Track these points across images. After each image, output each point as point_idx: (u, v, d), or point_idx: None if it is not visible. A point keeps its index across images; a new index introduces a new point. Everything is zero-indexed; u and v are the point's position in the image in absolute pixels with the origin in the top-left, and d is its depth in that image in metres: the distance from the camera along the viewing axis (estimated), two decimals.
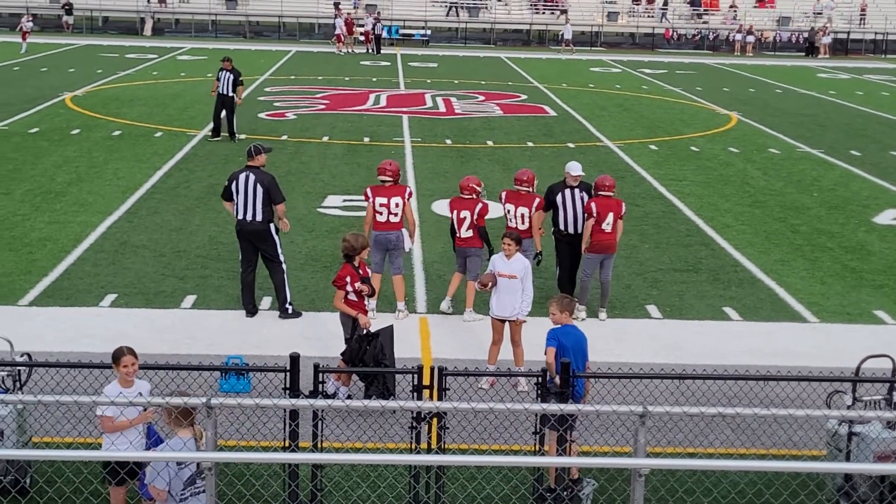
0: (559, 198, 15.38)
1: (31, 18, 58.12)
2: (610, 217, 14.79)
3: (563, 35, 65.65)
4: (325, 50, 60.11)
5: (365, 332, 11.91)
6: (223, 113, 28.11)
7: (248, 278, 14.84)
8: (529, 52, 64.13)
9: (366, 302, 12.56)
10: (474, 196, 14.95)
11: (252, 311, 14.84)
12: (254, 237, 14.74)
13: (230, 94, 27.88)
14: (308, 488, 9.51)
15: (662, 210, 21.87)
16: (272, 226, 14.76)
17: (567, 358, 9.77)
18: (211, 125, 28.60)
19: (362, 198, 15.66)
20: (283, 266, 14.87)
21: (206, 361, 11.25)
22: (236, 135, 28.11)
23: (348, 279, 12.28)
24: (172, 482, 7.81)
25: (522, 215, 14.82)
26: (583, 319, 14.83)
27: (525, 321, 12.80)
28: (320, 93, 39.68)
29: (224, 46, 59.98)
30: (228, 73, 28.02)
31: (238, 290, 15.16)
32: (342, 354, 12.03)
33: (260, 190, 14.65)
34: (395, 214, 14.85)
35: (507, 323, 12.76)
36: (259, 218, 14.67)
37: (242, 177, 14.78)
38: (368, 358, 11.59)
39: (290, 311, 14.78)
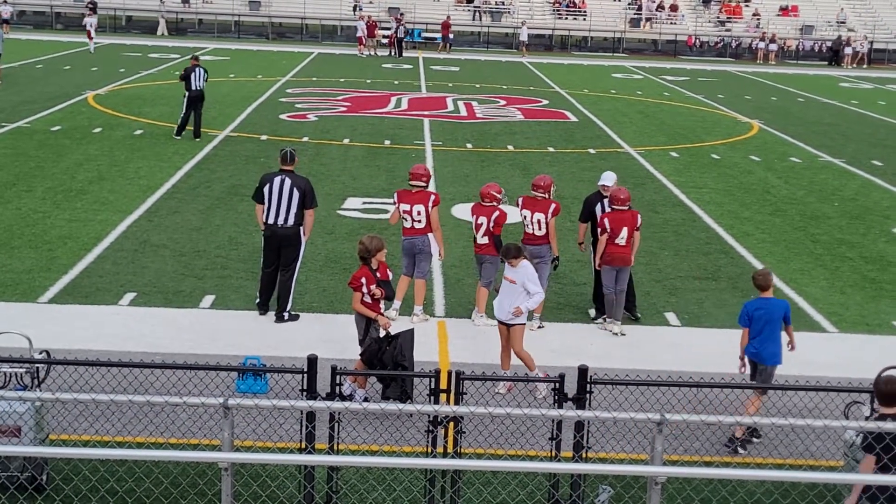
0: (597, 208, 15.30)
1: (91, 14, 57.63)
2: (624, 231, 14.57)
3: (518, 37, 65.66)
4: (347, 52, 60.24)
5: (385, 333, 11.92)
6: (193, 109, 28.14)
7: (270, 275, 14.81)
8: (551, 57, 64.08)
9: (381, 305, 12.55)
10: (494, 203, 14.93)
11: (265, 308, 14.84)
12: (283, 241, 14.70)
13: (200, 88, 27.91)
14: (324, 490, 9.52)
15: (682, 217, 21.82)
16: (302, 229, 14.75)
17: (756, 328, 11.68)
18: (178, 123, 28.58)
19: (382, 200, 15.80)
20: (296, 274, 14.83)
21: (224, 361, 11.29)
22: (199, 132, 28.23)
23: (363, 280, 12.28)
24: None
25: (538, 221, 14.77)
26: (615, 333, 14.75)
27: (524, 324, 12.65)
28: (342, 95, 39.74)
29: (247, 47, 60.24)
30: (202, 70, 28.11)
31: (257, 290, 15.17)
32: (361, 355, 12.02)
33: (297, 194, 14.59)
34: (419, 221, 14.88)
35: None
36: (291, 222, 14.63)
37: (277, 180, 14.72)
38: (388, 359, 11.59)
39: (285, 318, 14.74)
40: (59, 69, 44.30)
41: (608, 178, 15.38)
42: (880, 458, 8.08)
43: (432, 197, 15.08)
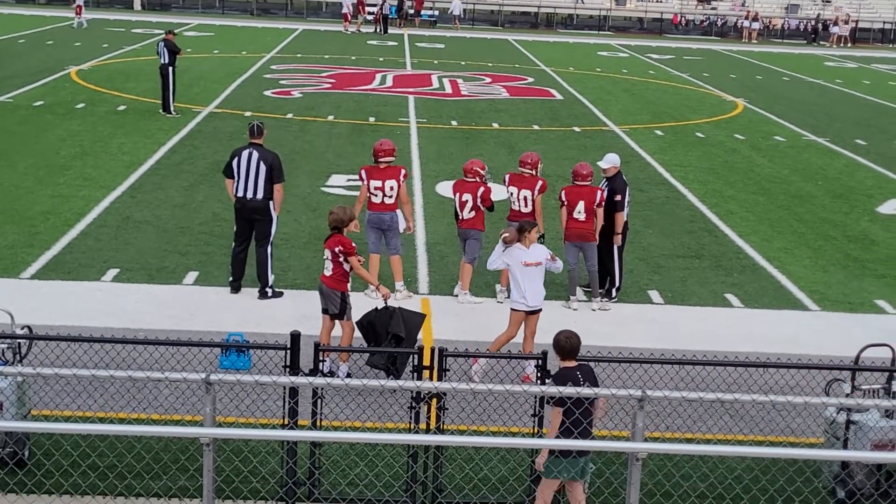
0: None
1: None
2: (581, 205, 14.65)
3: (451, 11, 65.76)
4: (332, 28, 60.02)
5: (385, 305, 11.83)
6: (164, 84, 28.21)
7: (241, 255, 14.83)
8: (537, 35, 63.97)
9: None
10: (477, 179, 14.90)
11: (237, 288, 14.82)
12: (253, 214, 14.70)
13: (165, 62, 27.77)
14: (306, 466, 9.53)
15: (667, 196, 21.84)
16: (272, 203, 14.72)
17: None
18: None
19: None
20: (270, 248, 14.79)
21: (207, 338, 11.26)
22: (171, 108, 28.16)
23: (354, 245, 12.21)
24: None
25: (525, 198, 14.79)
26: (575, 309, 14.80)
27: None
28: (326, 71, 39.62)
29: (231, 23, 59.99)
30: (162, 44, 27.92)
31: (229, 269, 15.10)
32: (358, 324, 11.89)
33: (263, 167, 14.60)
34: (390, 197, 14.76)
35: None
36: (260, 195, 14.63)
37: (245, 154, 14.73)
38: (382, 328, 11.54)
39: (269, 294, 14.72)
40: (42, 44, 44.03)
41: (604, 161, 15.43)
42: (567, 412, 8.25)
43: (403, 171, 14.98)
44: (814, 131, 31.03)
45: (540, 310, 12.44)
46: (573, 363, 8.85)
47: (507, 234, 12.39)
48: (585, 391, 7.26)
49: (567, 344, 8.82)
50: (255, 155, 14.65)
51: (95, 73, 36.04)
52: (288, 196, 19.96)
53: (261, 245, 14.74)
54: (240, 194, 14.71)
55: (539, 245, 12.52)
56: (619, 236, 15.19)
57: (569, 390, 7.40)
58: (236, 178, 14.68)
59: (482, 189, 14.78)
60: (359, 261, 12.18)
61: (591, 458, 9.56)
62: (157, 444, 9.88)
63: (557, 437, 8.52)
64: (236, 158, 14.73)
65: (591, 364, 9.14)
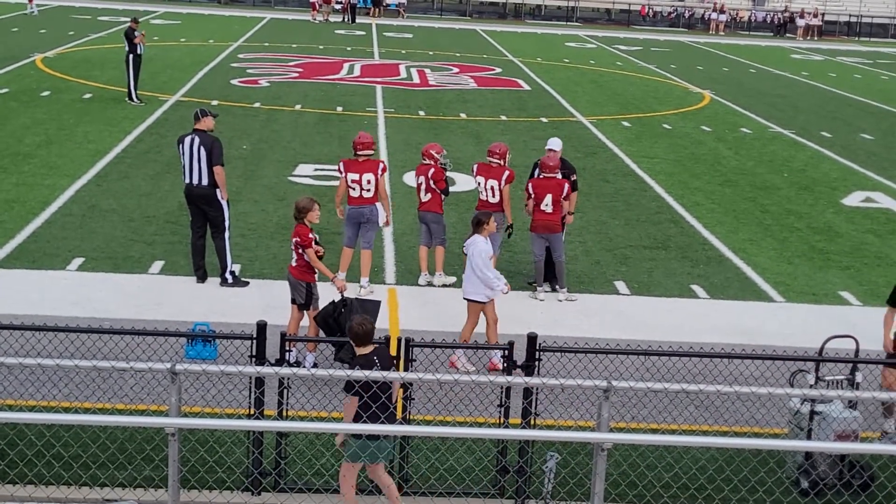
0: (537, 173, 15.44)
1: None
2: (548, 198, 14.67)
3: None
4: (299, 18, 59.82)
5: (340, 297, 11.85)
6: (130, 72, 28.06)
7: (199, 242, 14.77)
8: (505, 25, 63.99)
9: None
10: (431, 162, 15.03)
11: (202, 276, 14.77)
12: (201, 201, 14.66)
13: (126, 50, 27.70)
14: (272, 456, 9.52)
15: (633, 187, 21.91)
16: (218, 190, 14.68)
17: None
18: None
19: (333, 167, 15.69)
20: (227, 233, 14.75)
21: (173, 327, 11.24)
22: (132, 96, 28.03)
23: (312, 237, 12.15)
24: None
25: (492, 188, 14.80)
26: (541, 300, 14.84)
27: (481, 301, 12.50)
28: (294, 61, 39.48)
29: (198, 11, 59.64)
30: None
31: (190, 260, 15.04)
32: (315, 317, 11.93)
33: (203, 153, 14.54)
34: (368, 190, 14.68)
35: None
36: (205, 182, 14.57)
37: (188, 140, 14.66)
38: (343, 321, 11.56)
39: (229, 281, 14.68)
40: (7, 31, 43.64)
41: (555, 143, 15.48)
42: (362, 398, 8.36)
43: (381, 165, 14.93)
44: (779, 123, 31.21)
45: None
46: (370, 348, 8.86)
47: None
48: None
49: (360, 330, 8.84)
50: (197, 141, 14.60)
51: (61, 60, 35.76)
52: (255, 185, 19.97)
53: (217, 235, 14.69)
54: (186, 181, 14.67)
55: (474, 243, 12.47)
56: (572, 216, 15.33)
57: (534, 380, 7.42)
58: (182, 165, 14.66)
59: (432, 170, 14.88)
60: (316, 252, 12.12)
61: (557, 448, 9.61)
62: (122, 434, 9.83)
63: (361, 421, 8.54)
64: (181, 146, 14.71)
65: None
